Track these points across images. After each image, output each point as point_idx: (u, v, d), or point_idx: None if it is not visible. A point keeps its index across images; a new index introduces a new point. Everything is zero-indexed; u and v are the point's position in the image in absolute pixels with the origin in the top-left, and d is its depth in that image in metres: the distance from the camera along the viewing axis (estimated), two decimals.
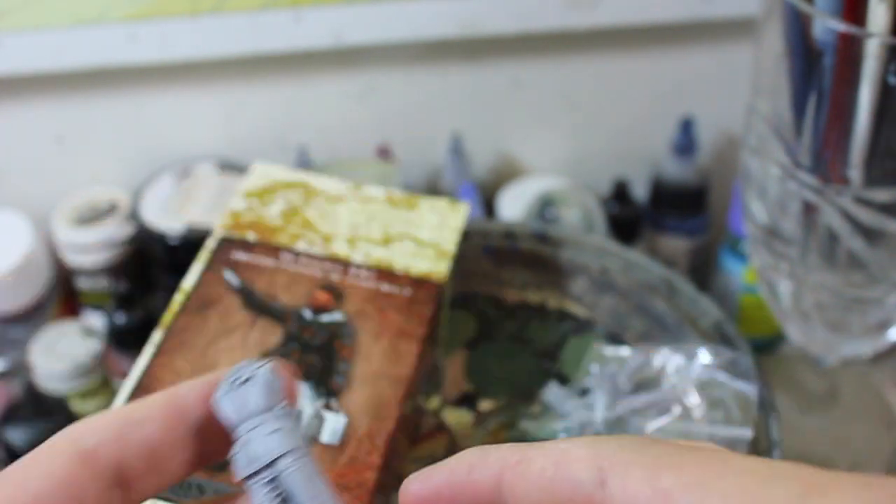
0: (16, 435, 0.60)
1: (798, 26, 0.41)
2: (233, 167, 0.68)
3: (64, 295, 0.69)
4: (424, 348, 0.41)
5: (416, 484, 0.23)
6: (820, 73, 0.41)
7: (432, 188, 0.74)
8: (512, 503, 0.22)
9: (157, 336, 0.40)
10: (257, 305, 0.41)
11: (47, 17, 0.62)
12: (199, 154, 0.70)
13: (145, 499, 0.23)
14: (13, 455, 0.61)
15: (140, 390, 0.38)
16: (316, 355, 0.40)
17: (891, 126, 0.41)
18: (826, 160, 0.43)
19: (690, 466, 0.19)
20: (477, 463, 0.22)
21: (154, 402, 0.23)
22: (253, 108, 0.71)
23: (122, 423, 0.22)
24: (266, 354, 0.40)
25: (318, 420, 0.37)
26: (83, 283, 0.68)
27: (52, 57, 0.64)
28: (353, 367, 0.39)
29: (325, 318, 0.41)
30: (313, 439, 0.37)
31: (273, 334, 0.40)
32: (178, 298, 0.41)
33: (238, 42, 0.65)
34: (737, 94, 0.57)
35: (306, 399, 0.38)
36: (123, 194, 0.69)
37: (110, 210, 0.67)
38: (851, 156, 0.42)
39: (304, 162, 0.68)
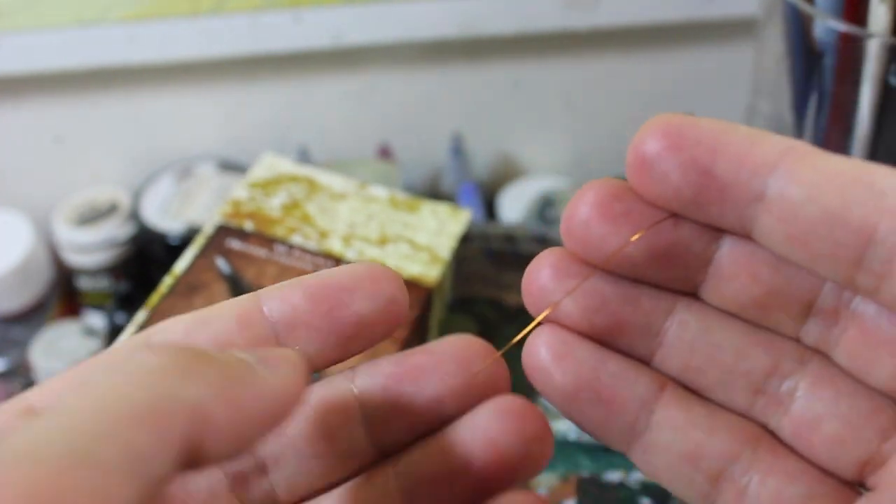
0: None
1: (798, 26, 0.41)
2: (233, 167, 0.68)
3: (64, 295, 0.69)
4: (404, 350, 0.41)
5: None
6: (820, 73, 0.41)
7: (433, 188, 0.74)
8: (777, 198, 0.18)
9: (140, 316, 0.40)
10: (243, 294, 0.41)
11: (47, 17, 0.62)
12: (199, 154, 0.70)
13: None
14: None
15: None
16: None
17: (891, 126, 0.41)
18: None
19: None
20: (756, 135, 0.19)
21: (227, 303, 0.21)
22: (253, 108, 0.71)
23: (191, 321, 0.21)
24: None
25: None
26: (83, 283, 0.68)
27: (52, 57, 0.64)
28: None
29: None
30: None
31: None
32: (167, 281, 0.42)
33: (238, 42, 0.65)
34: (737, 94, 0.57)
35: None
36: (123, 194, 0.69)
37: (110, 210, 0.67)
38: (852, 156, 0.42)
39: (304, 162, 0.68)
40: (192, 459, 0.17)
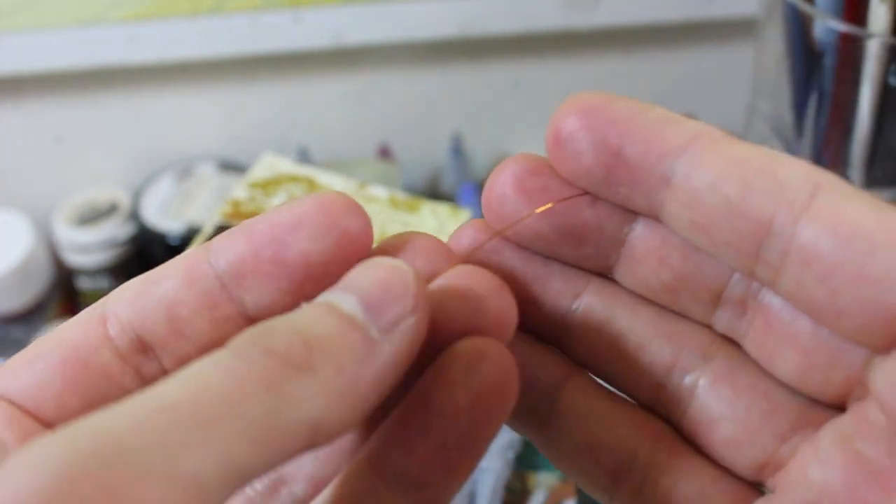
0: None
1: (799, 26, 0.41)
2: (233, 167, 0.68)
3: (64, 295, 0.69)
4: None
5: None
6: (820, 73, 0.41)
7: (433, 188, 0.74)
8: (682, 182, 0.18)
9: None
10: None
11: (47, 17, 0.62)
12: (199, 154, 0.70)
13: (175, 367, 0.19)
14: None
15: None
16: None
17: (891, 126, 0.41)
18: (826, 161, 0.43)
19: None
20: (668, 118, 0.18)
21: (175, 259, 0.20)
22: (253, 108, 0.71)
23: (141, 283, 0.19)
24: None
25: None
26: (83, 283, 0.68)
27: (52, 57, 0.64)
28: None
29: None
30: None
31: None
32: None
33: (238, 42, 0.65)
34: (737, 94, 0.57)
35: None
36: (123, 194, 0.69)
37: (110, 210, 0.67)
38: (852, 156, 0.42)
39: (304, 162, 0.68)
40: (295, 458, 0.16)
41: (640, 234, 0.20)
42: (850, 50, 0.39)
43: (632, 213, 0.20)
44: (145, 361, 0.19)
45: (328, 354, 0.16)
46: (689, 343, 0.20)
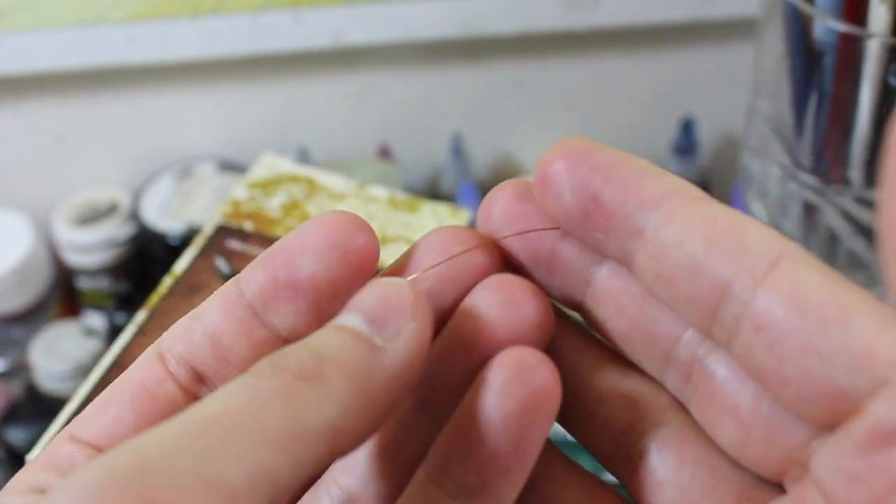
0: (16, 435, 0.60)
1: (799, 27, 0.41)
2: (233, 167, 0.68)
3: (64, 295, 0.69)
4: None
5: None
6: (820, 73, 0.41)
7: (433, 188, 0.74)
8: (652, 236, 0.18)
9: (140, 316, 0.40)
10: None
11: (47, 17, 0.62)
12: (199, 154, 0.70)
13: None
14: (13, 455, 0.61)
15: (116, 368, 0.38)
16: None
17: (891, 126, 0.41)
18: (826, 161, 0.43)
19: None
20: (649, 171, 0.19)
21: (212, 296, 0.21)
22: (253, 108, 0.71)
23: (187, 320, 0.21)
24: None
25: None
26: (83, 283, 0.68)
27: (52, 57, 0.64)
28: None
29: None
30: None
31: None
32: (166, 281, 0.42)
33: (238, 42, 0.65)
34: (737, 95, 0.57)
35: None
36: (123, 194, 0.69)
37: (110, 210, 0.67)
38: (852, 156, 0.42)
39: (304, 162, 0.68)
40: (323, 468, 0.18)
41: (605, 276, 0.20)
42: (850, 50, 0.39)
43: (601, 255, 0.20)
44: (202, 388, 0.21)
45: (338, 365, 0.18)
46: (646, 404, 0.21)
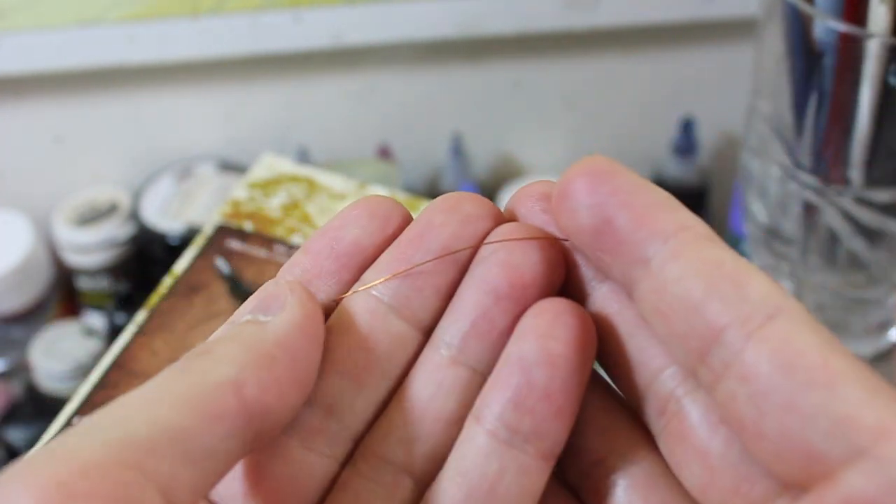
0: (16, 435, 0.60)
1: (798, 27, 0.41)
2: (233, 167, 0.68)
3: (64, 295, 0.69)
4: None
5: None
6: (820, 73, 0.41)
7: (432, 188, 0.74)
8: (656, 269, 0.19)
9: (140, 316, 0.40)
10: (243, 294, 0.41)
11: (47, 17, 0.62)
12: (199, 154, 0.70)
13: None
14: (13, 455, 0.61)
15: (116, 367, 0.38)
16: None
17: (891, 126, 0.41)
18: (826, 161, 0.43)
19: None
20: (664, 205, 0.19)
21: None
22: (253, 108, 0.71)
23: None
24: None
25: None
26: (83, 283, 0.68)
27: (52, 57, 0.64)
28: None
29: None
30: None
31: None
32: (167, 281, 0.42)
33: (238, 42, 0.65)
34: (737, 95, 0.58)
35: None
36: (123, 194, 0.69)
37: (110, 210, 0.67)
38: (852, 156, 0.42)
39: (304, 162, 0.68)
40: (265, 423, 0.19)
41: (603, 295, 0.21)
42: (850, 50, 0.39)
43: (603, 275, 0.21)
44: None
45: (226, 340, 0.20)
46: (620, 438, 0.21)
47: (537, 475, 0.20)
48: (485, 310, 0.21)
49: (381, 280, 0.21)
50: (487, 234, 0.22)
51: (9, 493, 0.16)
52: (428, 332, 0.22)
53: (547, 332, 0.20)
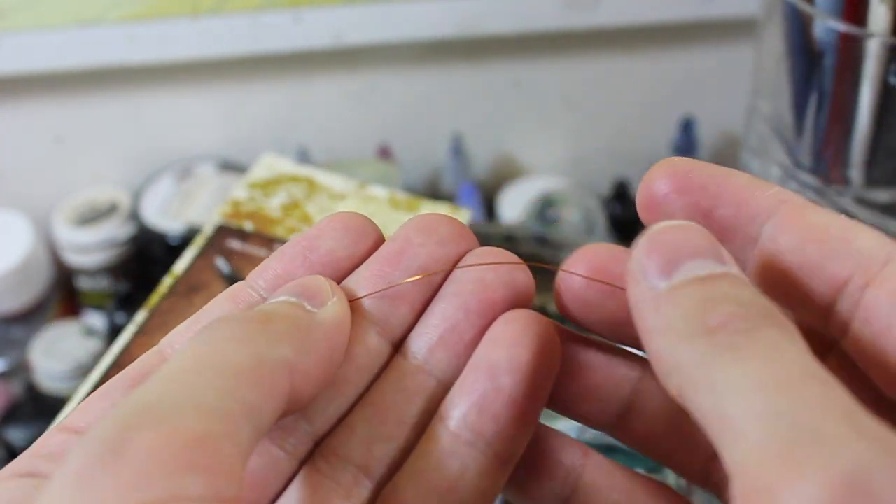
0: (16, 435, 0.60)
1: (799, 26, 0.41)
2: (233, 167, 0.68)
3: (64, 295, 0.69)
4: None
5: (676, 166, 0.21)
6: (820, 73, 0.41)
7: (432, 188, 0.74)
8: (768, 243, 0.20)
9: (140, 316, 0.40)
10: None
11: (47, 17, 0.62)
12: (199, 154, 0.70)
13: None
14: (13, 455, 0.61)
15: (116, 368, 0.38)
16: None
17: (891, 126, 0.41)
18: (826, 160, 0.43)
19: None
20: (755, 184, 0.20)
21: (221, 293, 0.23)
22: (253, 108, 0.71)
23: (193, 317, 0.23)
24: None
25: None
26: (83, 283, 0.68)
27: (52, 57, 0.64)
28: None
29: None
30: None
31: None
32: (167, 281, 0.42)
33: (238, 42, 0.65)
34: (737, 94, 0.58)
35: None
36: (123, 194, 0.69)
37: (110, 210, 0.67)
38: (852, 156, 0.42)
39: (304, 162, 0.68)
40: (290, 408, 0.19)
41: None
42: (850, 50, 0.39)
43: None
44: None
45: (282, 316, 0.20)
46: (578, 483, 0.22)
47: (495, 479, 0.21)
48: (454, 323, 0.21)
49: (362, 296, 0.22)
50: (462, 256, 0.22)
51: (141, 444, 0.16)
52: (398, 346, 0.22)
53: (516, 341, 0.21)
